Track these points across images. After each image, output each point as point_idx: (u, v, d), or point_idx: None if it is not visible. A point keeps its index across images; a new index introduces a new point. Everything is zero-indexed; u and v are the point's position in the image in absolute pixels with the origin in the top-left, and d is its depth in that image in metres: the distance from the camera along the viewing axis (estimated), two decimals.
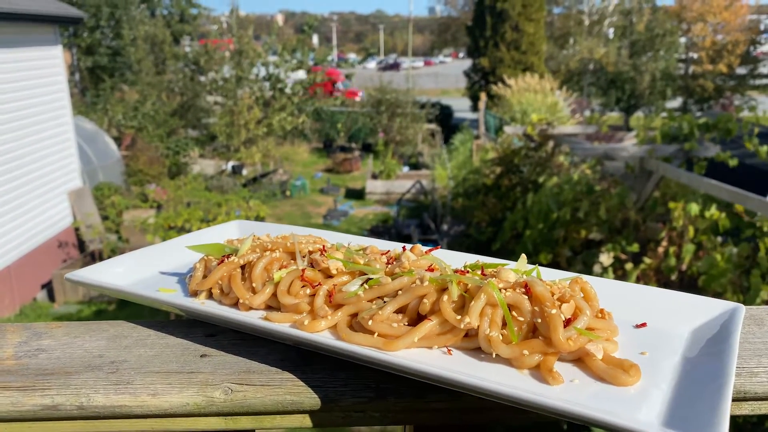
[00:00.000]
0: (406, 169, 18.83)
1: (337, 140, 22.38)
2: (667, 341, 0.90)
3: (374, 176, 17.63)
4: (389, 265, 1.00)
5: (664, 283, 5.86)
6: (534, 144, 9.63)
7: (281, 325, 0.93)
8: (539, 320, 0.85)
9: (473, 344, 0.87)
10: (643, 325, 0.95)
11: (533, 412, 0.79)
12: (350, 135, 22.43)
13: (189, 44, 22.93)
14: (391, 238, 9.36)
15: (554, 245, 7.44)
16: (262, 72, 17.66)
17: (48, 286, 10.19)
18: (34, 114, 10.37)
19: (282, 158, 18.86)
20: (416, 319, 0.90)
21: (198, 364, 0.89)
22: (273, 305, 0.99)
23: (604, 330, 0.88)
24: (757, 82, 29.00)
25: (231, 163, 17.31)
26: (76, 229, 11.29)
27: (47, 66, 10.89)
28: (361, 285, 0.95)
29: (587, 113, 22.95)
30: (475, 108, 24.34)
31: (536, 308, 0.85)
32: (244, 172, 17.10)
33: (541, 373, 0.81)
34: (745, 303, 4.08)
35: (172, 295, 1.06)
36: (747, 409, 0.83)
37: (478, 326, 0.85)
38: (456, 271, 0.96)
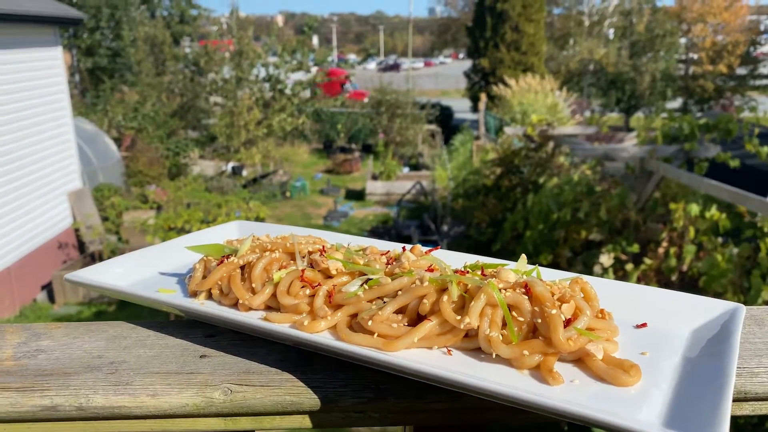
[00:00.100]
0: (406, 169, 18.84)
1: (337, 141, 22.39)
2: (667, 341, 0.90)
3: (374, 177, 17.64)
4: (389, 266, 1.00)
5: (665, 284, 5.86)
6: (534, 145, 9.64)
7: (281, 325, 0.93)
8: (539, 320, 0.84)
9: (473, 344, 0.87)
10: (644, 325, 0.95)
11: (533, 413, 0.78)
12: (350, 136, 22.43)
13: (189, 45, 22.93)
14: (391, 239, 9.37)
15: (554, 246, 7.44)
16: (262, 73, 17.66)
17: (48, 287, 10.19)
18: (34, 115, 10.38)
19: (282, 159, 18.86)
20: (416, 320, 0.90)
21: (197, 364, 0.89)
22: (272, 306, 0.99)
23: (604, 330, 0.88)
24: (758, 82, 29.00)
25: (231, 164, 17.31)
26: (76, 230, 11.29)
27: (47, 67, 10.89)
28: (361, 285, 0.95)
29: (587, 114, 22.96)
30: (475, 109, 24.35)
31: (536, 308, 0.85)
32: (244, 173, 17.10)
33: (541, 373, 0.81)
34: (745, 303, 4.07)
35: (171, 296, 1.06)
36: (748, 409, 0.83)
37: (478, 326, 0.85)
38: (456, 272, 0.96)
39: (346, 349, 0.84)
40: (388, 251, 1.09)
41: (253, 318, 0.95)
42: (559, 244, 7.39)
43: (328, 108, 21.13)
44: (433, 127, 21.84)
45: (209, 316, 0.97)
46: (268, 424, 0.85)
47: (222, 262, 1.05)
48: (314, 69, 18.71)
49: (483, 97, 21.79)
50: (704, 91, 28.11)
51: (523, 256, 1.03)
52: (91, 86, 22.60)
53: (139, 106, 17.02)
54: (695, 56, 29.66)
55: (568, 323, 0.84)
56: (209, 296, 1.04)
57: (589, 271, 6.48)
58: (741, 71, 28.61)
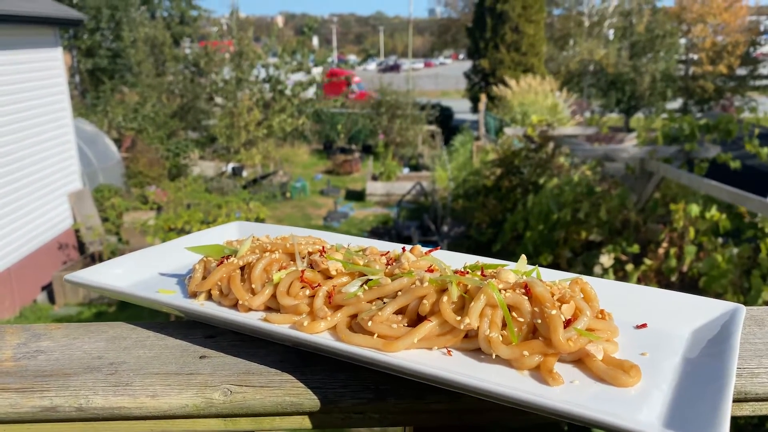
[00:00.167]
0: (406, 170, 18.84)
1: (338, 142, 22.39)
2: (667, 342, 0.90)
3: (374, 178, 17.64)
4: (389, 266, 1.00)
5: (665, 285, 5.86)
6: (534, 145, 9.64)
7: (281, 326, 0.93)
8: (539, 321, 0.84)
9: (473, 345, 0.87)
10: (644, 325, 0.95)
11: (533, 413, 0.78)
12: (350, 136, 22.44)
13: (189, 46, 22.91)
14: (391, 240, 9.35)
15: (555, 246, 7.44)
16: (262, 74, 17.66)
17: (48, 288, 10.19)
18: (34, 116, 10.38)
19: (282, 160, 18.86)
20: (416, 320, 0.90)
21: (197, 365, 0.89)
22: (272, 306, 0.99)
23: (604, 331, 0.88)
24: (758, 83, 29.01)
25: (231, 165, 17.31)
26: (76, 231, 11.30)
27: (47, 68, 10.90)
28: (361, 286, 0.94)
29: (587, 114, 22.98)
30: (475, 109, 24.36)
31: (536, 309, 0.85)
32: (244, 173, 17.11)
33: (541, 374, 0.81)
34: (746, 304, 4.06)
35: (171, 297, 1.06)
36: (748, 409, 0.83)
37: (478, 327, 0.85)
38: (456, 272, 0.96)
39: (345, 349, 0.84)
40: (388, 252, 1.09)
41: (253, 319, 0.95)
42: (559, 245, 7.39)
43: (328, 109, 21.13)
44: (433, 127, 21.84)
45: (209, 316, 0.97)
46: (268, 425, 0.85)
47: (222, 262, 1.05)
48: (318, 69, 18.71)
49: (483, 97, 21.81)
50: (704, 91, 28.12)
51: (523, 257, 1.03)
52: (92, 87, 22.62)
53: (139, 107, 17.02)
54: (695, 57, 29.66)
55: (568, 324, 0.84)
56: (209, 297, 1.04)
57: (589, 272, 6.48)
58: (741, 72, 28.61)
